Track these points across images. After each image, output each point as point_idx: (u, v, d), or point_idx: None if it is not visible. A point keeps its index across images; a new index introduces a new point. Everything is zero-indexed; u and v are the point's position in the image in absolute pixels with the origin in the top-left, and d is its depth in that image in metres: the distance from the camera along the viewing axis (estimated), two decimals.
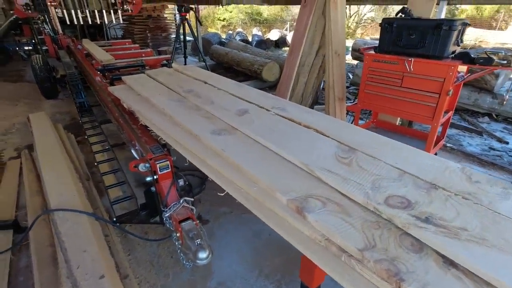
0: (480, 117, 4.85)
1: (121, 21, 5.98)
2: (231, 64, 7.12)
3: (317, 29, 4.27)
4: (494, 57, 2.45)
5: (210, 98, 2.06)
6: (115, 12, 6.04)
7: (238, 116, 1.73)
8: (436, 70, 2.66)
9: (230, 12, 18.74)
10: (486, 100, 4.79)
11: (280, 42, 12.28)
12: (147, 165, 1.69)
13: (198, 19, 5.15)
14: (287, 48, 12.19)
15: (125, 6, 6.22)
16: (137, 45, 6.06)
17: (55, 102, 5.52)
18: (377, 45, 3.45)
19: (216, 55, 7.78)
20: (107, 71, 4.12)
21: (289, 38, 12.51)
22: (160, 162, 1.67)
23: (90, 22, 6.33)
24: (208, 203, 2.67)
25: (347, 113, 3.96)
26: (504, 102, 4.38)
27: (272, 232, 1.12)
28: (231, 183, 1.28)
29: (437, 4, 3.23)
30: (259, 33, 12.54)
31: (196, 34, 4.46)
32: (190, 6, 4.24)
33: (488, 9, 15.31)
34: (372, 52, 3.10)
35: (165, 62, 4.58)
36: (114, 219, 1.94)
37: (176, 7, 10.36)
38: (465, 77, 2.81)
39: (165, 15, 9.60)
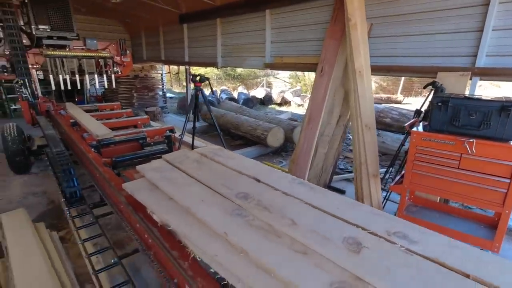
0: None
1: (114, 85, 5.51)
2: (227, 127, 6.76)
3: (336, 99, 4.07)
4: None
5: (284, 212, 1.53)
6: (102, 74, 5.64)
7: (354, 254, 1.21)
8: (506, 154, 2.40)
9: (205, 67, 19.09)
10: None
11: (266, 100, 12.41)
12: None
13: (212, 89, 4.85)
14: (274, 106, 12.29)
15: (114, 68, 5.86)
16: (129, 110, 5.55)
17: (27, 178, 4.64)
18: (414, 119, 3.26)
19: (209, 116, 7.43)
20: (103, 147, 3.51)
21: (274, 95, 12.72)
22: None
23: (79, 87, 5.76)
24: None
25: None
26: None
27: None
28: None
29: (470, 79, 3.15)
30: (245, 91, 12.64)
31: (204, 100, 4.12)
32: (206, 76, 3.92)
33: None
34: (419, 130, 2.84)
35: (168, 132, 4.06)
36: None
37: (162, 68, 10.22)
38: None
39: (153, 75, 9.35)
